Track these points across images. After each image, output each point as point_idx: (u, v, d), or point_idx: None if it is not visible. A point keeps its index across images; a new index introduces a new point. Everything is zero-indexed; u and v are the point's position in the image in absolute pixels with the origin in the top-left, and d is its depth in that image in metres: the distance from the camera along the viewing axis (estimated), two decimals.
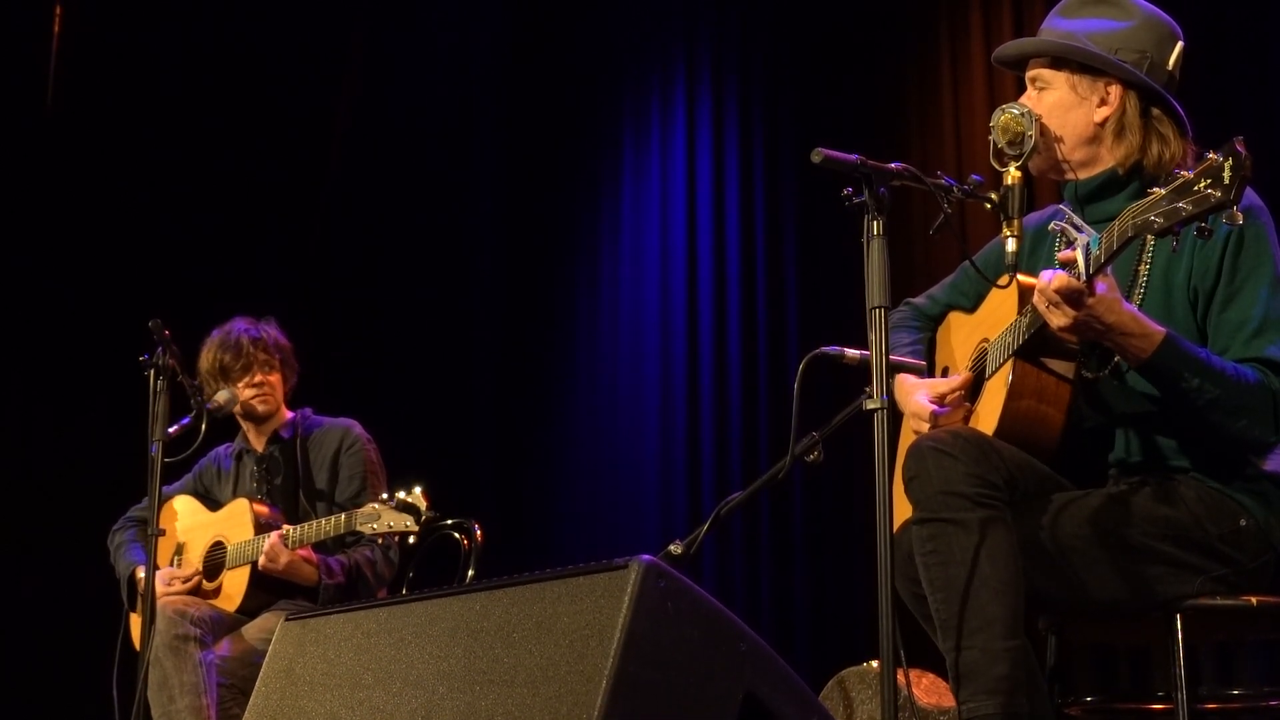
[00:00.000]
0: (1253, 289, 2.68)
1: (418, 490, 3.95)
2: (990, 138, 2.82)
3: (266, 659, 2.80)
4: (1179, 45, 2.86)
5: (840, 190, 2.57)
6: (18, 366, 6.13)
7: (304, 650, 2.71)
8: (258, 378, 4.38)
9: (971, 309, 3.13)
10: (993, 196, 2.67)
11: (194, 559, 4.38)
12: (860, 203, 2.54)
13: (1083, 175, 2.88)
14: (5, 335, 6.09)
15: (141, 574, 4.23)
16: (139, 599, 4.22)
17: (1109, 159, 2.85)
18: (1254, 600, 2.68)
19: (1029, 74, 2.92)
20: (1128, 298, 2.74)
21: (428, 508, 3.92)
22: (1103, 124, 2.84)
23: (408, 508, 3.91)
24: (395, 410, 5.41)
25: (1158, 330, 2.58)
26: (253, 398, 4.38)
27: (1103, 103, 2.84)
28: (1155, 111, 2.82)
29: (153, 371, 3.86)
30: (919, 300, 3.25)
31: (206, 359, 4.39)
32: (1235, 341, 2.67)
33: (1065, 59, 2.85)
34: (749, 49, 6.41)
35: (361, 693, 2.52)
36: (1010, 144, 2.77)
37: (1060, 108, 2.86)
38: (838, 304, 5.64)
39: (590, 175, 6.84)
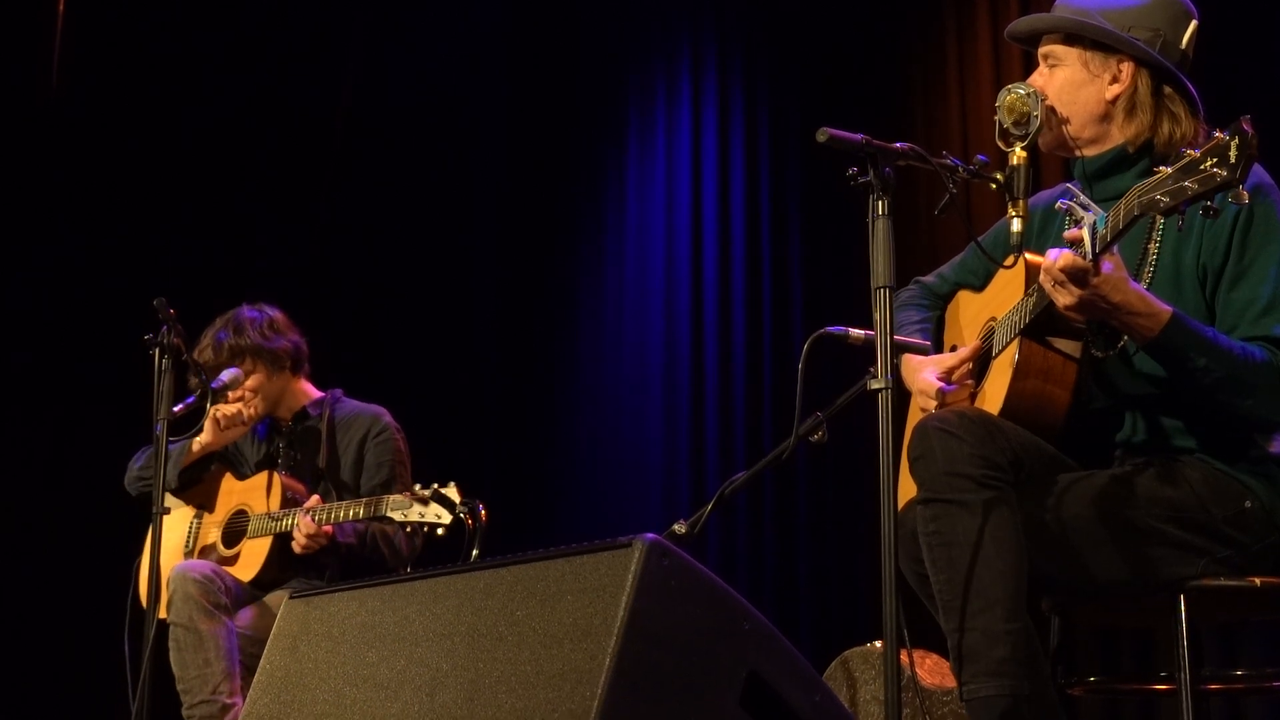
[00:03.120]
0: (1261, 267, 2.68)
1: (452, 485, 3.97)
2: (996, 118, 2.81)
3: (271, 637, 2.81)
4: (1193, 24, 2.86)
5: (845, 170, 2.56)
6: (23, 347, 6.14)
7: (309, 627, 2.72)
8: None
9: (980, 287, 3.13)
10: (998, 177, 2.66)
11: (215, 523, 4.41)
12: (865, 182, 2.54)
13: (1092, 152, 2.88)
14: (9, 317, 6.10)
15: (195, 446, 4.35)
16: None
17: (1119, 136, 2.85)
18: (1258, 581, 2.68)
19: (1041, 50, 2.91)
20: (1137, 276, 2.74)
21: (461, 502, 3.93)
22: (1114, 101, 2.83)
23: (442, 500, 3.92)
24: (398, 391, 5.39)
25: (1164, 309, 2.58)
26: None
27: (1114, 80, 2.83)
28: (1167, 90, 2.82)
29: (157, 350, 3.87)
30: (928, 279, 3.26)
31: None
32: (1243, 320, 2.67)
33: (1078, 35, 2.85)
34: (754, 29, 6.40)
35: (366, 670, 2.52)
36: (1016, 124, 2.76)
37: (1072, 84, 2.85)
38: (842, 284, 5.64)
39: (595, 154, 6.83)
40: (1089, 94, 2.85)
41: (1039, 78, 2.90)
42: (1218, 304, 2.72)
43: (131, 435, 4.55)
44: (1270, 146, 2.44)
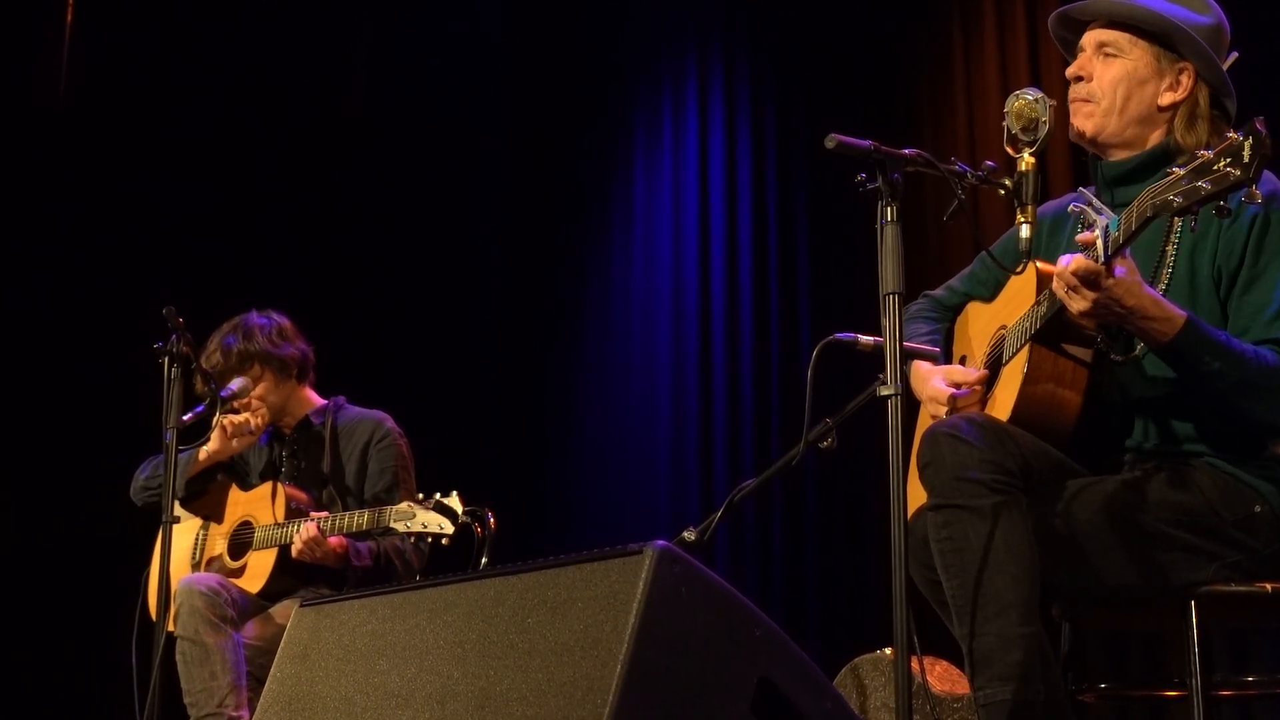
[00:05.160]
0: (1275, 272, 2.68)
1: (455, 494, 3.97)
2: (1004, 124, 2.80)
3: (282, 645, 2.81)
4: (1234, 56, 2.87)
5: (853, 176, 2.56)
6: (31, 352, 6.15)
7: (319, 635, 2.72)
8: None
9: (990, 298, 3.13)
10: (1006, 183, 2.66)
11: (222, 535, 4.42)
12: (874, 189, 2.54)
13: (1119, 156, 2.87)
14: (19, 325, 6.11)
15: (202, 455, 4.34)
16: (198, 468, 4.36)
17: (1154, 142, 2.84)
18: (1269, 587, 2.67)
19: (1100, 36, 2.87)
20: (1154, 279, 2.74)
21: (470, 510, 3.94)
22: (1167, 108, 2.84)
23: (444, 509, 3.93)
24: (404, 397, 5.41)
25: (1179, 313, 2.58)
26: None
27: (1172, 87, 2.83)
28: (1216, 109, 2.83)
29: (167, 359, 3.87)
30: (937, 292, 3.25)
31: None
32: (1256, 323, 2.67)
33: (1153, 32, 2.82)
34: (761, 33, 6.40)
35: (377, 678, 2.52)
36: (1024, 130, 2.74)
37: (1133, 79, 2.83)
38: (851, 290, 5.65)
39: (601, 160, 6.83)
40: (1146, 92, 2.84)
41: (1092, 64, 2.87)
42: (1231, 307, 2.72)
43: (140, 443, 4.55)
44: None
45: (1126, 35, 2.85)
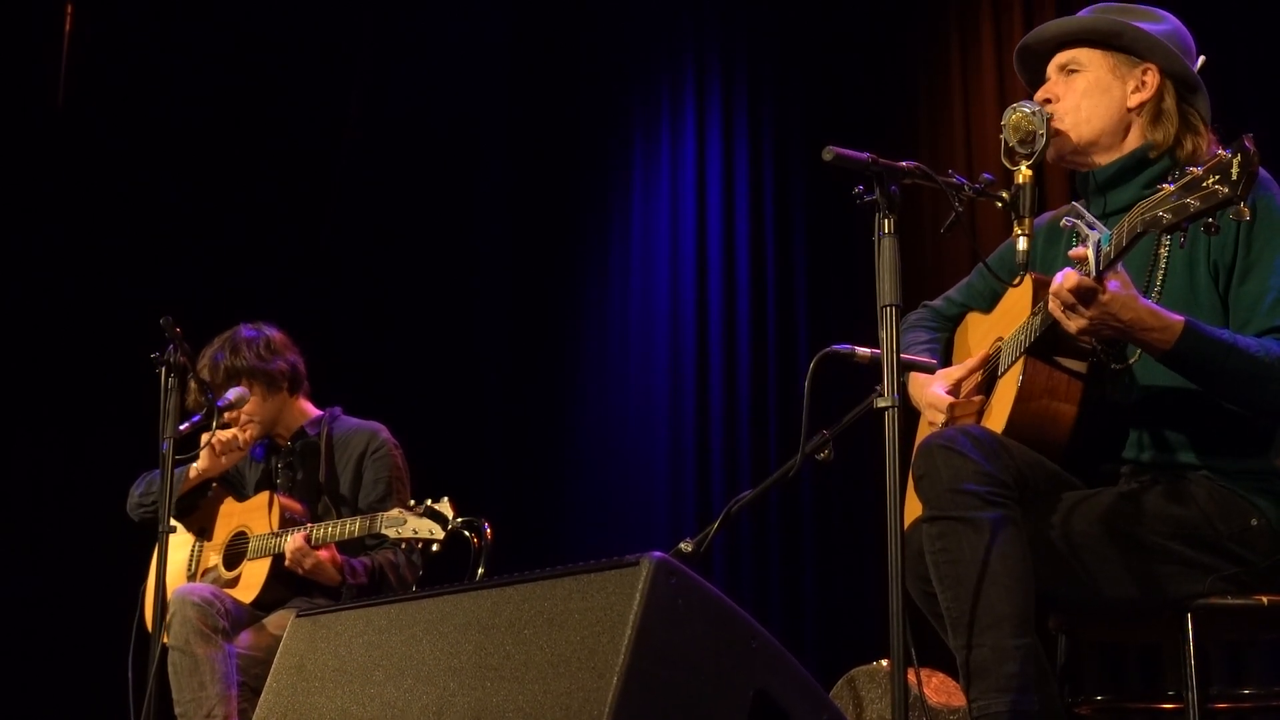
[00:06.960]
0: (1268, 260, 2.70)
1: (446, 500, 3.97)
2: (1001, 136, 2.82)
3: (278, 655, 2.81)
4: (1202, 59, 2.91)
5: (850, 188, 2.57)
6: (28, 363, 6.15)
7: (315, 646, 2.72)
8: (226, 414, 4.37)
9: (988, 310, 3.14)
10: (1004, 195, 2.67)
11: (216, 546, 4.42)
12: (871, 201, 2.54)
13: (1104, 160, 2.89)
14: (15, 331, 6.11)
15: (192, 473, 4.33)
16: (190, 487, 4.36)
17: (1133, 144, 2.86)
18: (1265, 600, 2.67)
19: (1060, 59, 2.94)
20: (1149, 280, 2.76)
21: (454, 516, 3.94)
22: (1136, 109, 2.87)
23: (435, 515, 3.92)
24: (403, 408, 5.42)
25: (1177, 320, 2.59)
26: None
27: (1138, 88, 2.86)
28: (1186, 105, 2.86)
29: (164, 369, 3.87)
30: (936, 302, 3.27)
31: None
32: (1256, 314, 2.68)
33: (1105, 41, 2.87)
34: (759, 46, 6.41)
35: (373, 689, 2.52)
36: (1021, 143, 2.78)
37: (1096, 89, 2.88)
38: (848, 302, 5.65)
39: (599, 172, 6.84)
40: (1112, 99, 2.87)
41: (1057, 85, 2.91)
42: (1230, 300, 2.73)
43: (139, 444, 4.54)
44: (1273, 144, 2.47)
45: (1084, 50, 2.91)
